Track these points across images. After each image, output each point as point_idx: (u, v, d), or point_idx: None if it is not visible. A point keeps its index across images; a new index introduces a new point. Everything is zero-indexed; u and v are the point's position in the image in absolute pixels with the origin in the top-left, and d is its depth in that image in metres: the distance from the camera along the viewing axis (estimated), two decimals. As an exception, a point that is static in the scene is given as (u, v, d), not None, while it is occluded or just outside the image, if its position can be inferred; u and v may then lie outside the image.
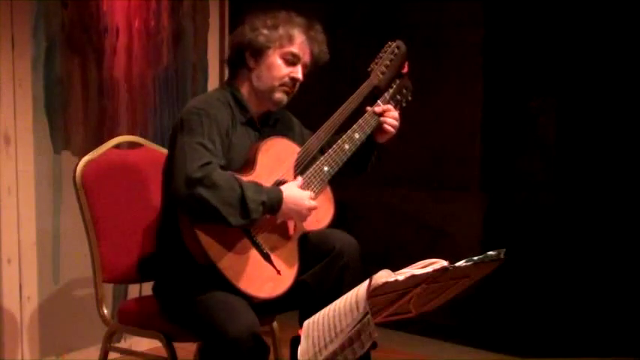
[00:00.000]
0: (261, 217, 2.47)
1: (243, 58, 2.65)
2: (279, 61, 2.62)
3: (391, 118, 2.75)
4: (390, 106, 2.77)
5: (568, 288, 3.92)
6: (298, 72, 2.64)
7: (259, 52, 2.62)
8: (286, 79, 2.62)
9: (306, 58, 2.65)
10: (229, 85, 2.70)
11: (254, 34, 2.62)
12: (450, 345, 4.03)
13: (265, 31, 2.61)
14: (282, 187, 2.52)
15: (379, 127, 2.75)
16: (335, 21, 4.47)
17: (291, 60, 2.62)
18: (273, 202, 2.47)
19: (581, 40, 3.88)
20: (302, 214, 2.55)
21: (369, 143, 2.76)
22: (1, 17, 3.35)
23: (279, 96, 2.64)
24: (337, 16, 4.48)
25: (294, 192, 2.54)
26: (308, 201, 2.55)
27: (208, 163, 2.40)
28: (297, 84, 2.66)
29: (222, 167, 2.46)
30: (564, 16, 3.90)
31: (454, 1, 4.10)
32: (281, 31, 2.62)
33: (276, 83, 2.62)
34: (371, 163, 2.84)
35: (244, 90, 2.66)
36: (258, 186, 2.46)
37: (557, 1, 3.90)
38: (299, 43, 2.63)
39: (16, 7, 3.38)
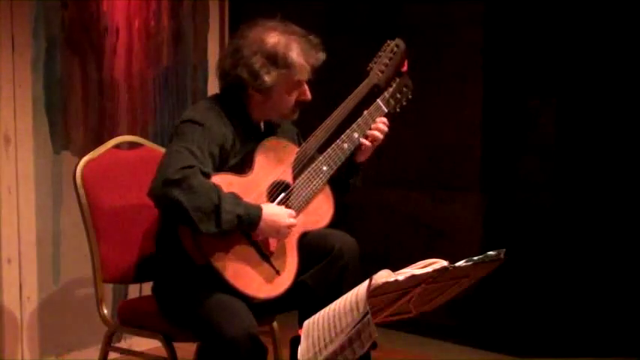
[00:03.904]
0: (235, 230, 2.44)
1: (244, 89, 2.59)
2: (287, 94, 2.60)
3: (378, 131, 2.72)
4: (384, 119, 2.75)
5: (568, 288, 3.92)
6: (306, 92, 2.64)
7: (266, 92, 2.58)
8: (294, 103, 2.63)
9: (309, 75, 2.63)
10: (228, 93, 2.65)
11: (258, 81, 2.54)
12: (450, 345, 4.03)
13: (267, 77, 2.54)
14: (263, 205, 2.49)
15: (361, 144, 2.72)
16: (335, 21, 4.47)
17: (298, 86, 2.62)
18: (251, 218, 2.44)
19: (581, 40, 3.89)
20: (281, 232, 2.52)
21: (350, 166, 2.73)
22: (1, 17, 3.35)
23: (292, 116, 2.68)
24: (337, 17, 4.48)
25: (274, 209, 2.51)
26: (287, 219, 2.52)
27: (190, 167, 2.39)
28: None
29: (206, 174, 2.43)
30: (564, 16, 3.90)
31: (454, 1, 4.10)
32: (280, 64, 2.54)
33: (287, 111, 2.64)
34: (353, 185, 2.80)
35: (247, 102, 2.63)
36: (237, 199, 2.44)
37: (557, 1, 3.90)
38: (301, 68, 2.58)
39: (16, 7, 3.38)
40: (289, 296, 2.56)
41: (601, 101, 3.88)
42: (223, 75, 2.64)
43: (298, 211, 2.60)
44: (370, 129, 2.73)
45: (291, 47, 2.57)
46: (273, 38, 2.57)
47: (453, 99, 4.15)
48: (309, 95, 2.64)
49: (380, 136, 2.73)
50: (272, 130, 2.74)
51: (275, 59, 2.55)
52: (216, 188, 2.40)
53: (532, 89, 4.02)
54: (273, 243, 2.55)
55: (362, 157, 2.76)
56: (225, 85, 2.65)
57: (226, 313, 2.41)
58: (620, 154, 3.85)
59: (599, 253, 3.87)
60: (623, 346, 3.68)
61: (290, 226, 2.53)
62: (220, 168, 2.54)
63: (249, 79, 2.56)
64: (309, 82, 2.66)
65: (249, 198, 2.48)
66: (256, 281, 2.50)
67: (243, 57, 2.56)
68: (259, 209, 2.47)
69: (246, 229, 2.47)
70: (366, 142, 2.72)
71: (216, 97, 2.70)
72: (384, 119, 2.76)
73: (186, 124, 2.51)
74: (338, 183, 2.72)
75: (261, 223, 2.46)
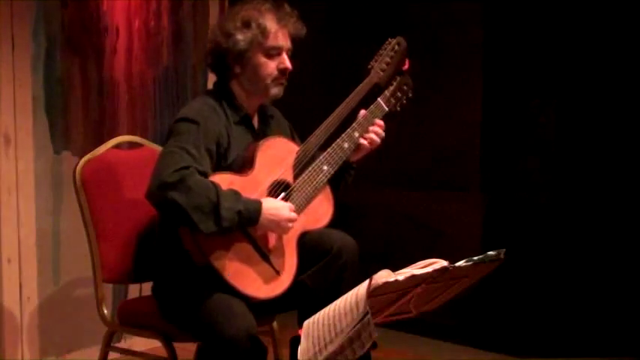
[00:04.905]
0: (237, 227, 2.43)
1: (226, 63, 2.63)
2: (263, 60, 2.60)
3: (375, 135, 2.72)
4: (381, 122, 2.75)
5: (568, 288, 3.92)
6: (285, 61, 2.63)
7: (241, 57, 2.61)
8: (276, 73, 2.62)
9: (287, 43, 2.64)
10: (219, 86, 2.69)
11: (230, 42, 2.59)
12: (449, 345, 4.03)
13: (239, 36, 2.58)
14: (262, 200, 2.50)
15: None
16: (336, 21, 4.47)
17: (275, 52, 2.61)
18: (251, 213, 2.44)
19: (581, 41, 3.88)
20: (282, 226, 2.51)
21: (343, 164, 2.71)
22: (1, 17, 3.35)
23: (275, 91, 2.65)
24: (337, 16, 4.48)
25: (274, 203, 2.51)
26: (288, 212, 2.52)
27: (186, 167, 2.39)
28: (288, 72, 2.65)
29: (203, 173, 2.43)
30: (564, 17, 3.90)
31: (454, 1, 4.10)
32: (253, 27, 2.59)
33: (268, 80, 2.62)
34: (344, 183, 2.80)
35: (235, 89, 2.65)
36: (237, 195, 2.43)
37: (557, 1, 3.90)
38: (275, 33, 2.60)
39: (16, 7, 3.39)
40: (289, 296, 2.56)
41: (601, 101, 3.88)
42: (207, 53, 2.69)
43: (299, 210, 2.59)
44: (371, 128, 2.73)
45: (265, 15, 2.62)
46: (250, 9, 2.64)
47: (453, 99, 4.16)
48: (288, 64, 2.63)
49: (377, 139, 2.74)
50: (266, 122, 2.74)
51: (249, 23, 2.60)
52: (215, 187, 2.40)
53: (532, 89, 4.02)
54: (272, 240, 2.55)
55: (355, 157, 2.76)
56: (210, 64, 2.69)
57: (226, 313, 2.41)
58: (620, 154, 3.85)
59: (599, 253, 3.87)
60: (623, 346, 3.68)
61: (290, 220, 2.52)
62: (218, 163, 2.54)
63: (223, 41, 2.60)
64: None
65: (249, 197, 2.48)
66: (256, 281, 2.50)
67: (220, 26, 2.65)
68: (259, 203, 2.47)
69: (246, 225, 2.46)
70: (364, 143, 2.72)
71: (209, 93, 2.72)
72: (381, 122, 2.76)
73: (182, 123, 2.52)
74: (329, 181, 2.72)
75: (262, 218, 2.46)
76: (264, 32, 2.59)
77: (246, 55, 2.60)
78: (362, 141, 2.71)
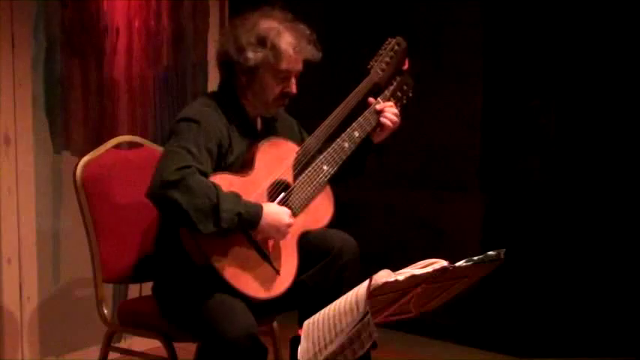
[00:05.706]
0: (237, 229, 2.43)
1: (233, 71, 2.62)
2: (270, 81, 2.59)
3: (391, 114, 2.73)
4: (390, 103, 2.75)
5: (568, 288, 3.92)
6: (291, 86, 2.62)
7: (249, 72, 2.59)
8: (279, 95, 2.62)
9: (298, 67, 2.62)
10: (223, 87, 2.68)
11: (241, 57, 2.56)
12: (450, 345, 4.03)
13: (250, 54, 2.55)
14: (263, 204, 2.49)
15: (377, 125, 2.73)
16: (335, 20, 4.47)
17: (284, 76, 2.60)
18: (252, 216, 2.44)
19: (581, 41, 3.88)
20: (281, 231, 2.52)
21: (366, 145, 2.73)
22: (1, 17, 3.35)
23: (274, 111, 2.67)
24: (337, 16, 4.48)
25: (275, 208, 2.51)
26: (287, 217, 2.52)
27: (187, 167, 2.39)
28: (291, 96, 2.64)
29: (203, 173, 2.43)
30: (564, 17, 3.90)
31: (454, 1, 4.10)
32: (268, 47, 2.55)
33: (270, 100, 2.62)
34: (367, 165, 2.80)
35: (240, 92, 2.65)
36: (237, 197, 2.43)
37: (557, 1, 3.90)
38: (288, 57, 2.57)
39: (16, 7, 3.39)
40: (289, 296, 2.56)
41: (600, 101, 3.88)
42: (217, 54, 2.67)
43: (299, 210, 2.60)
44: (371, 128, 2.73)
45: (283, 35, 2.58)
46: (268, 24, 2.59)
47: (453, 99, 4.15)
48: (294, 89, 2.62)
49: (395, 118, 2.73)
50: (269, 125, 2.73)
51: (264, 41, 2.56)
52: (215, 187, 2.40)
53: (532, 90, 4.02)
54: (272, 242, 2.55)
55: (378, 137, 2.76)
56: (218, 64, 2.67)
57: (226, 313, 2.41)
58: (620, 154, 3.85)
59: (599, 253, 3.87)
60: (623, 346, 3.68)
61: (289, 226, 2.53)
62: (218, 164, 2.54)
63: (234, 53, 2.57)
64: (300, 77, 2.65)
65: (249, 198, 2.48)
66: (256, 281, 2.50)
67: (235, 34, 2.60)
68: (260, 207, 2.47)
69: (246, 228, 2.46)
70: (387, 123, 2.71)
71: (212, 94, 2.71)
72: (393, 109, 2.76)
73: (183, 123, 2.52)
74: (353, 164, 2.71)
75: (262, 222, 2.46)
76: (277, 55, 2.56)
77: (254, 72, 2.58)
78: (384, 120, 2.71)
